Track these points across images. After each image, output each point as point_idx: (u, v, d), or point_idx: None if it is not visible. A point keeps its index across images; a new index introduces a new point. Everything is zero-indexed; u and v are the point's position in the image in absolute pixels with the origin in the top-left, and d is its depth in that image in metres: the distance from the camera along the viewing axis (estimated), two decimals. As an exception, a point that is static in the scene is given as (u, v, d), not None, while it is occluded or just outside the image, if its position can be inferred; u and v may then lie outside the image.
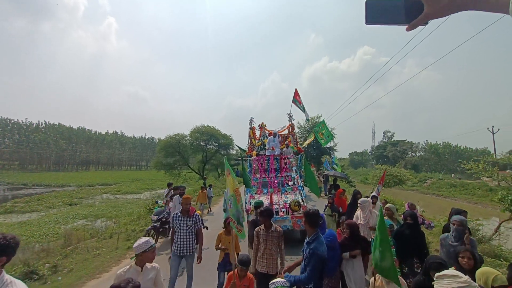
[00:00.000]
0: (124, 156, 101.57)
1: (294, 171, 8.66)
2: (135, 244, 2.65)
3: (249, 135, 11.18)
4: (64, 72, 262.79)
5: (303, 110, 12.41)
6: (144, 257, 2.63)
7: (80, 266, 5.36)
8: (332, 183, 11.80)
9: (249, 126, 11.43)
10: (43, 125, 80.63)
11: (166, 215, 7.46)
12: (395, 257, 3.33)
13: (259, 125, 11.77)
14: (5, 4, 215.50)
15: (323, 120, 11.63)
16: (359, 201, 5.28)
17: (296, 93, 12.38)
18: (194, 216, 4.33)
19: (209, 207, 13.07)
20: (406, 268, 3.72)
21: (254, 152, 9.99)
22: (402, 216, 4.95)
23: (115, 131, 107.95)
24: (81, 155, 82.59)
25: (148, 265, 2.70)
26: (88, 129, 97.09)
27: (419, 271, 3.53)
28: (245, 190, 7.85)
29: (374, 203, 6.12)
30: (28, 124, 76.92)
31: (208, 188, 13.22)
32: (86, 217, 15.07)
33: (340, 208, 7.27)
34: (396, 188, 28.16)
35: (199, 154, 29.88)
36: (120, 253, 6.42)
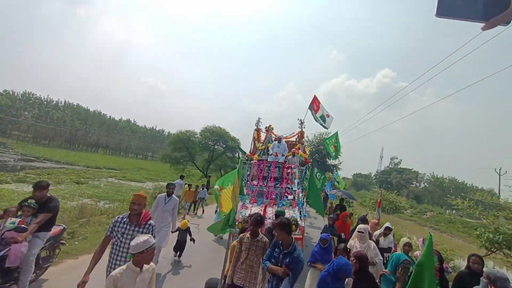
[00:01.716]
0: (132, 144, 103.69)
1: (296, 183, 7.75)
2: (132, 243, 2.38)
3: (253, 137, 10.21)
4: (91, 56, 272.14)
5: (320, 120, 10.83)
6: (141, 258, 2.37)
7: (93, 236, 6.17)
8: (338, 203, 10.68)
9: (255, 127, 10.40)
10: (62, 103, 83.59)
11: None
12: None
13: (266, 127, 10.55)
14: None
15: (337, 132, 10.82)
16: (359, 228, 4.56)
17: (314, 100, 10.75)
18: (148, 225, 3.15)
19: (203, 209, 12.51)
20: None
21: (256, 156, 9.07)
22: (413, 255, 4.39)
23: (129, 118, 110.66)
24: (93, 137, 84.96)
25: (145, 265, 2.48)
26: (103, 114, 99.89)
27: None
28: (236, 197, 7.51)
29: (386, 235, 5.46)
30: (48, 100, 79.89)
31: (202, 188, 12.36)
32: (90, 196, 15.84)
33: (343, 234, 6.55)
34: (395, 215, 28.11)
35: (206, 153, 30.69)
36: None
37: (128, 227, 3.06)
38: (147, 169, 44.95)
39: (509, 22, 0.68)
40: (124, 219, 3.13)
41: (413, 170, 66.06)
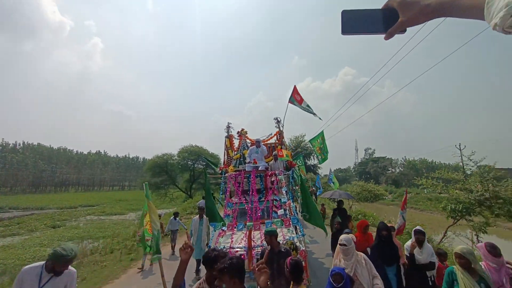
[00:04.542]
0: (106, 177, 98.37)
1: (284, 193, 6.31)
2: None
3: (225, 146, 8.56)
4: (47, 90, 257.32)
5: (308, 108, 9.47)
6: None
7: (91, 276, 6.06)
8: (336, 207, 8.37)
9: (226, 134, 8.82)
10: (21, 145, 77.52)
11: None
12: None
13: (238, 132, 8.99)
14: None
15: (322, 132, 9.80)
16: (341, 240, 3.32)
17: (295, 91, 9.43)
18: None
19: (173, 246, 8.63)
20: None
21: (231, 167, 7.62)
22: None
23: (98, 150, 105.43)
24: (61, 176, 79.37)
25: None
26: (69, 149, 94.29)
27: None
28: (208, 225, 5.89)
29: (420, 243, 3.84)
30: (3, 144, 73.73)
31: (172, 218, 8.99)
32: (72, 238, 15.08)
33: (369, 250, 4.29)
34: (377, 203, 29.67)
35: (187, 173, 30.33)
36: (125, 264, 7.11)
37: None
38: (126, 200, 43.00)
39: (404, 31, 0.75)
40: None
41: (387, 158, 70.09)
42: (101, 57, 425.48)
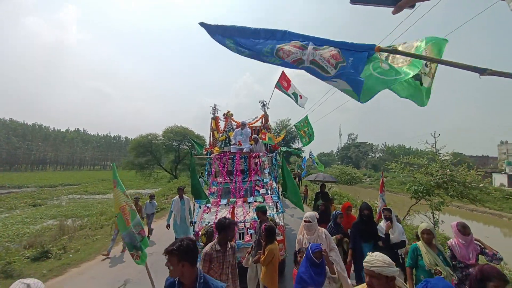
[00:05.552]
0: (86, 155, 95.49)
1: (267, 174, 6.71)
2: None
3: (211, 127, 8.71)
4: (16, 62, 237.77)
5: (293, 97, 9.43)
6: None
7: (84, 247, 6.46)
8: (319, 191, 8.57)
9: (212, 116, 8.88)
10: (-9, 120, 72.84)
11: None
12: None
13: (224, 114, 9.15)
14: None
15: (307, 116, 9.99)
16: (305, 217, 3.61)
17: (283, 76, 9.30)
18: None
19: (149, 231, 8.18)
20: None
21: (217, 148, 7.80)
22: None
23: (78, 128, 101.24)
24: (37, 154, 76.13)
25: None
26: (45, 126, 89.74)
27: None
28: (194, 202, 6.15)
29: (386, 219, 4.23)
30: (-28, 119, 69.01)
31: (148, 201, 8.60)
32: (55, 217, 15.07)
33: (350, 232, 4.66)
34: (356, 186, 31.40)
35: (172, 154, 30.29)
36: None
37: None
38: (109, 179, 42.38)
39: (414, 6, 0.71)
40: None
41: (368, 143, 72.90)
42: (77, 28, 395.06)
